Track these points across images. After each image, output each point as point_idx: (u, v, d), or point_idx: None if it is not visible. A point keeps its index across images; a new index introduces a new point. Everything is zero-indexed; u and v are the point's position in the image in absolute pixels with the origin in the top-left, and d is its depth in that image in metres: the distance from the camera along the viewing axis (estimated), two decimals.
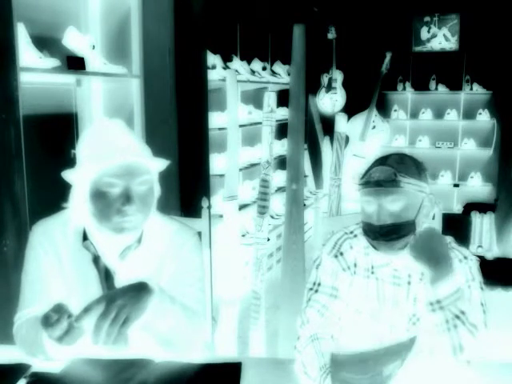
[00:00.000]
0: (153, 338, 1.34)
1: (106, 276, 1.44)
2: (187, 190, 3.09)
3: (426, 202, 1.44)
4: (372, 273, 1.46)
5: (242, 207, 4.39)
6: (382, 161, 1.44)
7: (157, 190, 1.47)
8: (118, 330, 1.15)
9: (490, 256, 3.13)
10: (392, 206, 1.39)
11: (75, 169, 1.39)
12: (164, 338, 1.35)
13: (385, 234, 1.40)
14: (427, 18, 6.40)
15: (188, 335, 1.37)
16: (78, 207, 1.41)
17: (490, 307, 1.43)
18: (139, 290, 1.22)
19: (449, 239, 1.50)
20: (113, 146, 1.35)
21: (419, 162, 1.47)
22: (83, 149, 1.41)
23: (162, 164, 1.44)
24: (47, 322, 1.19)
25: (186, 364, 1.36)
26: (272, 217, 4.75)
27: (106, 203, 1.36)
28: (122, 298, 1.18)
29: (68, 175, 1.38)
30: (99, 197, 1.36)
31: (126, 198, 1.35)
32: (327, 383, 1.25)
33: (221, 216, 3.91)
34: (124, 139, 1.39)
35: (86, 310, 1.16)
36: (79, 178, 1.38)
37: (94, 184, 1.37)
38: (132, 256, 1.44)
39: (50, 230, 1.47)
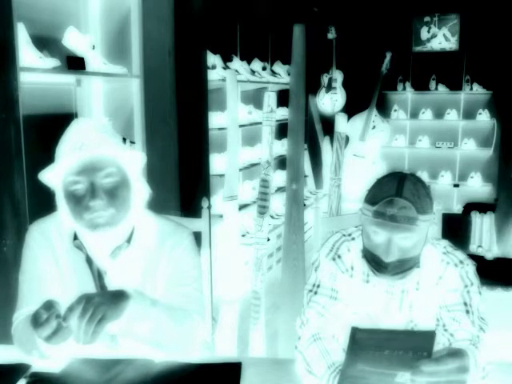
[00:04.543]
0: (137, 342, 1.34)
1: (99, 275, 1.45)
2: (187, 190, 3.08)
3: (430, 230, 1.39)
4: (367, 282, 1.46)
5: (242, 207, 4.39)
6: (397, 190, 1.32)
7: (136, 184, 1.44)
8: (94, 328, 1.16)
9: (489, 256, 3.12)
10: (403, 242, 1.33)
11: (46, 171, 1.39)
12: (149, 341, 1.34)
13: (392, 269, 1.36)
14: (427, 18, 6.40)
15: (178, 336, 1.36)
16: (61, 208, 1.42)
17: (490, 307, 1.43)
18: (116, 296, 1.24)
19: (444, 243, 1.48)
20: (71, 145, 1.35)
21: (427, 186, 1.39)
22: (56, 151, 1.41)
23: (133, 156, 1.43)
24: (37, 321, 1.19)
25: (185, 364, 1.36)
26: (272, 217, 4.75)
27: (75, 202, 1.37)
28: (99, 297, 1.20)
29: (42, 177, 1.39)
30: (69, 196, 1.37)
31: (91, 193, 1.35)
32: (337, 381, 1.24)
33: (221, 216, 3.91)
34: (85, 136, 1.36)
35: (70, 309, 1.18)
36: (52, 180, 1.39)
37: (63, 185, 1.38)
38: (123, 256, 1.44)
39: (47, 230, 1.47)
